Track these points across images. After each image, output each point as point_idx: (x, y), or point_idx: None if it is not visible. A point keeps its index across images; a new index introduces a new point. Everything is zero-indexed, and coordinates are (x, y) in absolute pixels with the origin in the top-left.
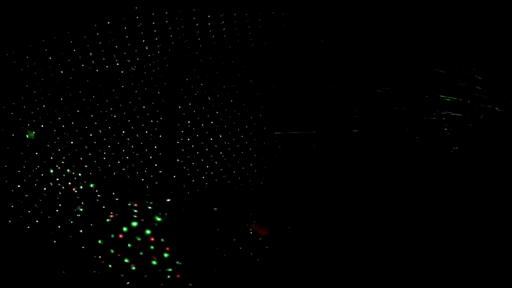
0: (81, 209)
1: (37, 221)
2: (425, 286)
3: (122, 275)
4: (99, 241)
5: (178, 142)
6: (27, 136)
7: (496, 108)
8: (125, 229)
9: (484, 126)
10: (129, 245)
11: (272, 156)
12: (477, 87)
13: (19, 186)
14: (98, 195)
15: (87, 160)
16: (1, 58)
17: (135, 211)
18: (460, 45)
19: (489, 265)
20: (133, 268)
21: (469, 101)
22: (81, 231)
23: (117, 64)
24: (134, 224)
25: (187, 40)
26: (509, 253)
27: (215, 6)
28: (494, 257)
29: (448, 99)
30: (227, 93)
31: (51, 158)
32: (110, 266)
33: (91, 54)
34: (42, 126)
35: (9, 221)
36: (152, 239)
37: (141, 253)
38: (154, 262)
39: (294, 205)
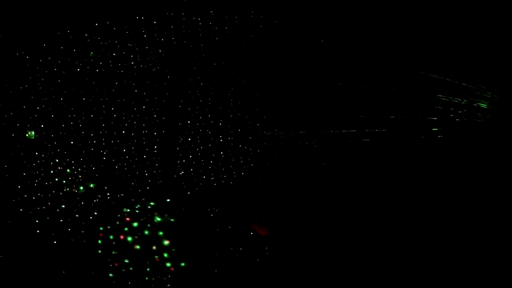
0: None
1: (37, 221)
2: (424, 286)
3: (122, 275)
4: (99, 241)
5: (178, 143)
6: (27, 136)
7: (490, 107)
8: (125, 229)
9: (481, 127)
10: (129, 245)
11: (272, 156)
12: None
13: (19, 186)
14: (98, 195)
15: (87, 160)
16: (1, 58)
17: (135, 211)
18: (461, 47)
19: (488, 264)
20: (133, 268)
21: (465, 101)
22: (81, 231)
23: (118, 64)
24: (135, 224)
25: (187, 41)
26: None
27: (216, 7)
28: (492, 256)
29: (446, 100)
30: (227, 94)
31: (51, 158)
32: (110, 265)
33: (90, 54)
34: (42, 126)
35: (9, 221)
36: (152, 239)
37: (141, 253)
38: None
39: (293, 204)
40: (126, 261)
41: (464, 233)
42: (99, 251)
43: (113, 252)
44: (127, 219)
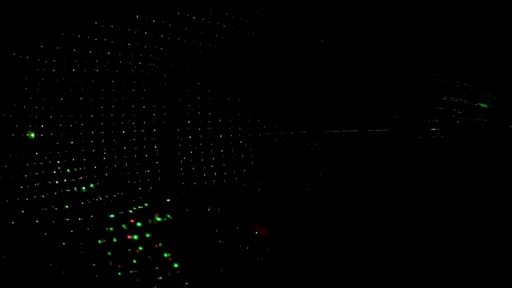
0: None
1: (37, 221)
2: (424, 286)
3: (122, 275)
4: (99, 241)
5: (178, 143)
6: (27, 136)
7: (490, 107)
8: (124, 226)
9: (482, 127)
10: (129, 245)
11: (271, 156)
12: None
13: (19, 186)
14: (98, 195)
15: (87, 160)
16: (1, 58)
17: (135, 210)
18: (461, 47)
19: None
20: (132, 268)
21: (466, 102)
22: (81, 230)
23: (118, 65)
24: (138, 224)
25: (186, 41)
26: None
27: (215, 7)
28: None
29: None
30: (227, 94)
31: (51, 158)
32: (110, 265)
33: (90, 54)
34: (42, 126)
35: (9, 221)
36: (152, 239)
37: (141, 253)
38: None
39: (293, 205)
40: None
41: (464, 232)
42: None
43: (113, 252)
44: (132, 220)
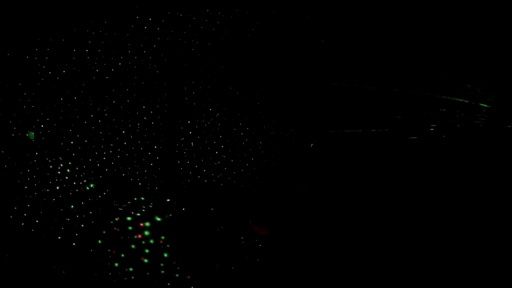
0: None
1: (37, 221)
2: (424, 286)
3: (122, 275)
4: (99, 241)
5: (178, 143)
6: (27, 136)
7: (490, 107)
8: (126, 228)
9: (482, 127)
10: (130, 245)
11: (271, 156)
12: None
13: (19, 186)
14: (98, 195)
15: (87, 160)
16: (1, 58)
17: (136, 210)
18: (461, 47)
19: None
20: (132, 268)
21: (469, 102)
22: (81, 231)
23: (117, 64)
24: (147, 224)
25: (186, 41)
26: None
27: (215, 7)
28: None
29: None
30: (227, 93)
31: (51, 158)
32: (109, 265)
33: (90, 54)
34: (42, 126)
35: (10, 221)
36: (153, 239)
37: (141, 253)
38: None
39: (293, 205)
40: (127, 260)
41: (464, 232)
42: (99, 251)
43: (112, 252)
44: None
